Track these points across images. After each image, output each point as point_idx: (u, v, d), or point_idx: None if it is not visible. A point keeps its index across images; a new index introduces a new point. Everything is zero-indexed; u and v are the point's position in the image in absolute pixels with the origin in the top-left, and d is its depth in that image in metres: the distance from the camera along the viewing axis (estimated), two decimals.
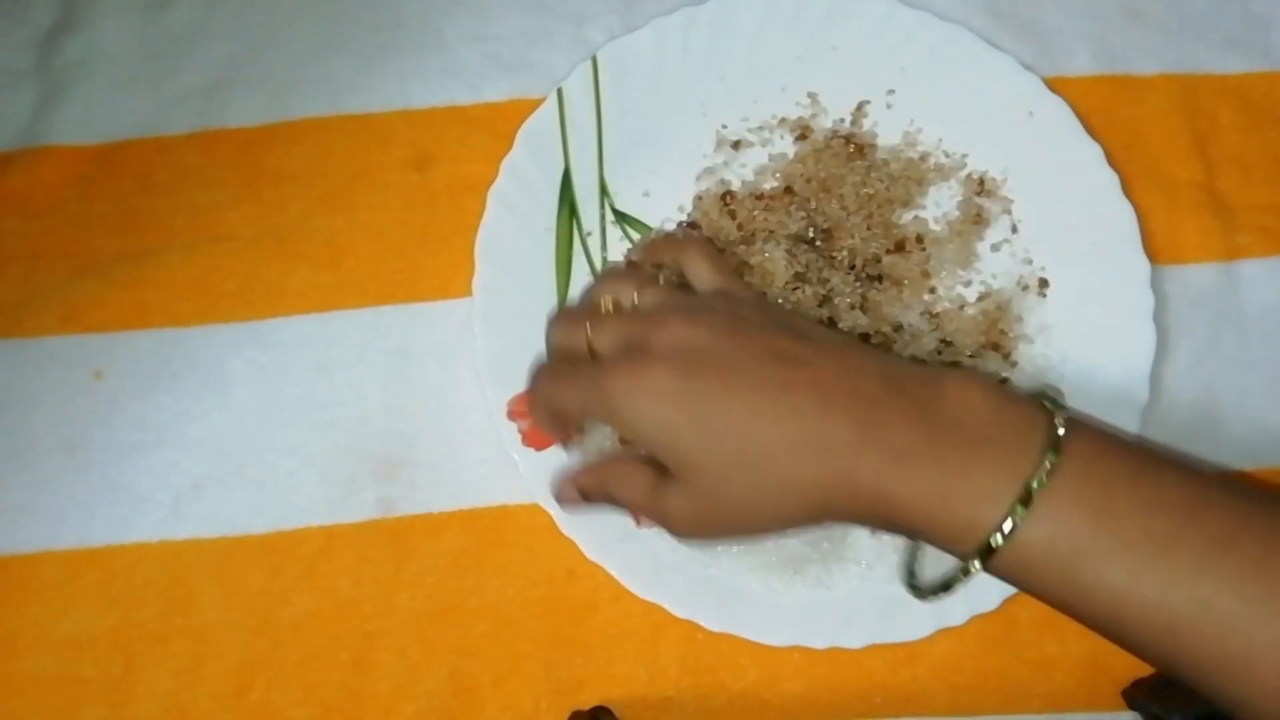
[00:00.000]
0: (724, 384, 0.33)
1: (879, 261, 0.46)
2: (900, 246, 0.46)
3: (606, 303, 0.39)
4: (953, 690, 0.43)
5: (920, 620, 0.42)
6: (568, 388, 0.37)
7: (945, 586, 0.34)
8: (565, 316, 0.40)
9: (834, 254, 0.45)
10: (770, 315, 0.37)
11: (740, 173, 0.48)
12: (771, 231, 0.45)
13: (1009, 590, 0.42)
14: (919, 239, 0.46)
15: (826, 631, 0.42)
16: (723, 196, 0.47)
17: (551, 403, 0.39)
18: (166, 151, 0.50)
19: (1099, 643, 0.43)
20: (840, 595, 0.42)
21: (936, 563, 0.35)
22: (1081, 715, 0.43)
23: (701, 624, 0.42)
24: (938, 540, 0.33)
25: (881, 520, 0.33)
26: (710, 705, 0.43)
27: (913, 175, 0.47)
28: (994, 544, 0.31)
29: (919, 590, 0.36)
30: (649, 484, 0.36)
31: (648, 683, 0.43)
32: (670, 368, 0.34)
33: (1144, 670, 0.43)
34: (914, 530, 0.33)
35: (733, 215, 0.46)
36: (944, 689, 0.43)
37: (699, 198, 0.47)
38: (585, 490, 0.39)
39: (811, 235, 0.46)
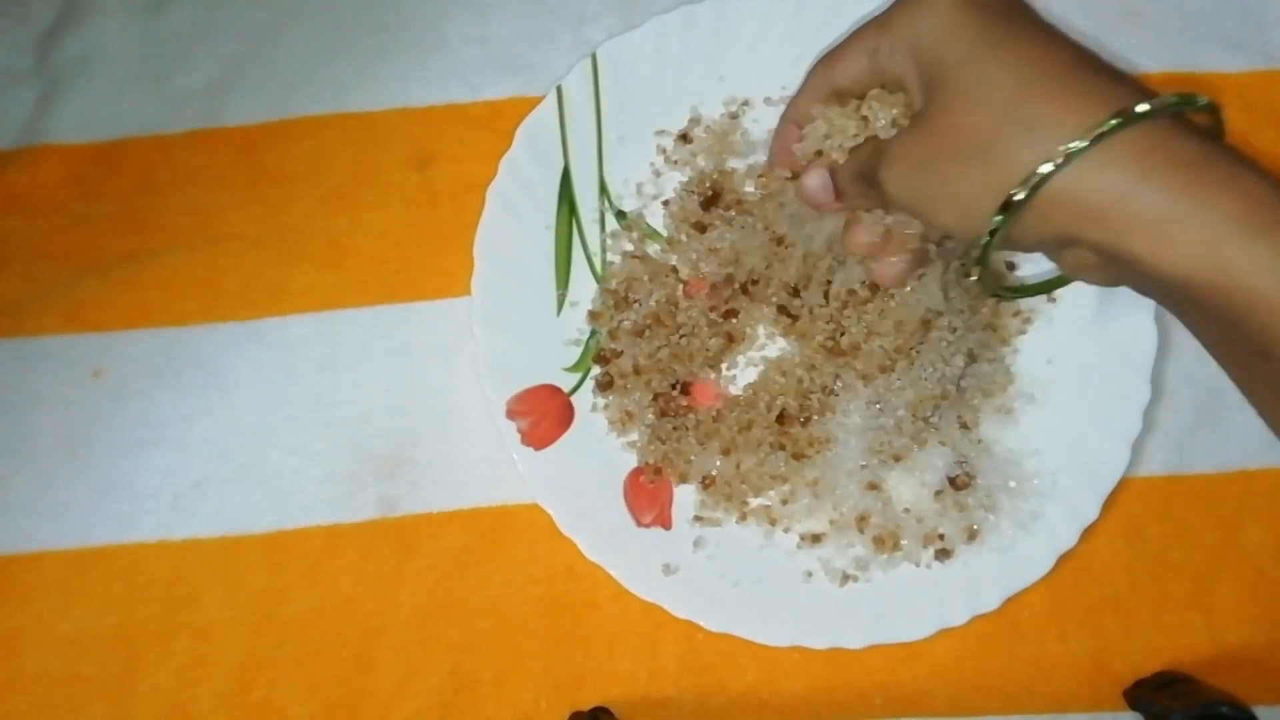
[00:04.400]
0: (1019, 28, 0.31)
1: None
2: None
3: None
4: (953, 690, 0.43)
5: (920, 620, 0.42)
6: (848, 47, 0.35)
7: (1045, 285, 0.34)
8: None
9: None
10: None
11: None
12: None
13: (1009, 590, 0.42)
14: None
15: (826, 631, 0.42)
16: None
17: (832, 70, 0.36)
18: (167, 151, 0.50)
19: (1100, 642, 0.43)
20: (840, 595, 0.43)
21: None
22: (1083, 715, 0.43)
23: (701, 624, 0.42)
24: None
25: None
26: (710, 704, 0.43)
27: None
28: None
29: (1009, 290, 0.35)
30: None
31: (647, 681, 0.43)
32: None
33: (1145, 670, 0.43)
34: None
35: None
36: (945, 689, 0.43)
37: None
38: (839, 169, 0.36)
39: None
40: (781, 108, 0.48)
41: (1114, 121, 0.28)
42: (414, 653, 0.44)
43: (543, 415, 0.44)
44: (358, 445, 0.46)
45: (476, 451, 0.46)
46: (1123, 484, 0.43)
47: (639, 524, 0.44)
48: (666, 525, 0.44)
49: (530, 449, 0.44)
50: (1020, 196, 0.29)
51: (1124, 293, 0.45)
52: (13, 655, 0.44)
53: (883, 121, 0.35)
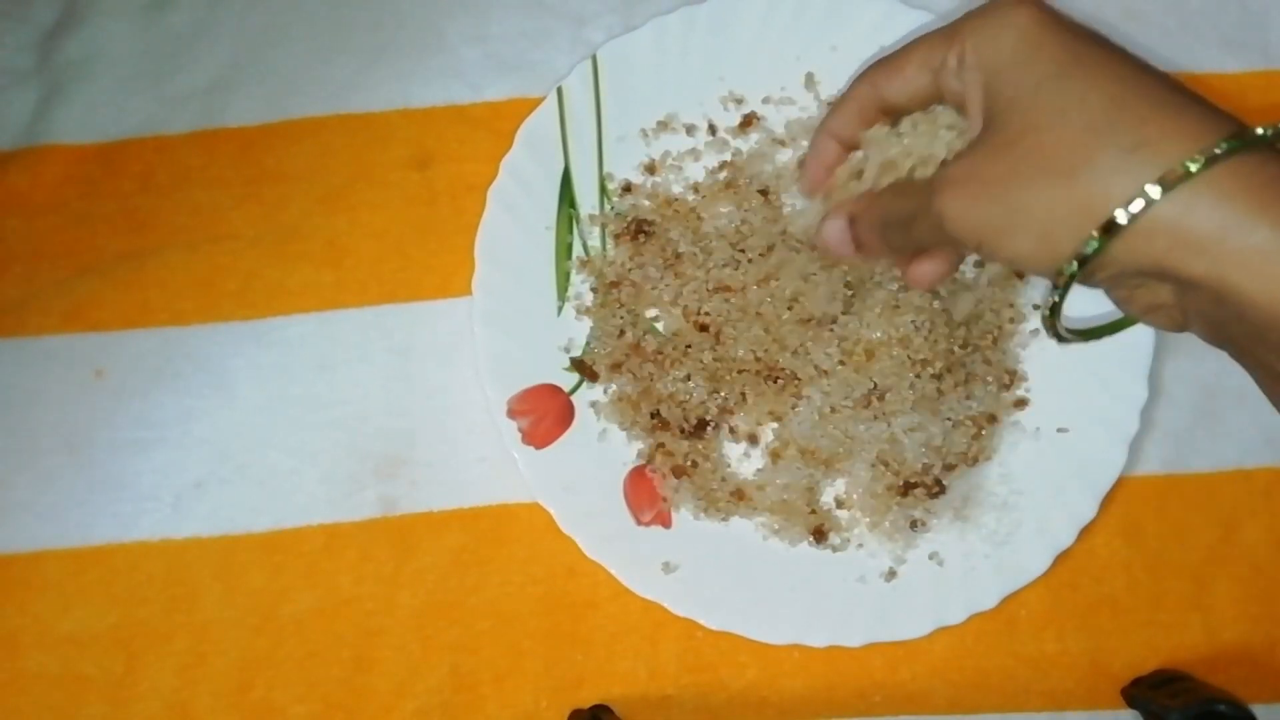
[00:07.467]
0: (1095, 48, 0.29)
1: None
2: None
3: None
4: (952, 688, 0.43)
5: (919, 619, 0.42)
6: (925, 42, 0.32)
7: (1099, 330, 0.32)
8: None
9: None
10: None
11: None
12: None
13: (1007, 589, 0.42)
14: None
15: (826, 630, 0.42)
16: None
17: (886, 82, 0.33)
18: (167, 151, 0.50)
19: (1098, 640, 0.43)
20: (840, 593, 0.43)
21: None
22: (1081, 713, 0.43)
23: (701, 622, 0.42)
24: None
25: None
26: (710, 703, 0.43)
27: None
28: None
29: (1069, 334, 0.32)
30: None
31: (647, 680, 0.43)
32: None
33: (1143, 668, 0.43)
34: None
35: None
36: (943, 687, 0.43)
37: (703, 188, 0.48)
38: (861, 216, 0.34)
39: None
40: (780, 107, 0.49)
41: (1225, 145, 0.26)
42: (414, 653, 0.44)
43: (543, 415, 0.44)
44: (357, 445, 0.46)
45: (476, 451, 0.46)
46: (1120, 483, 0.43)
47: (639, 522, 0.44)
48: (666, 524, 0.44)
49: (531, 448, 0.44)
50: (1124, 220, 0.27)
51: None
52: (12, 655, 0.44)
53: (941, 151, 0.32)
